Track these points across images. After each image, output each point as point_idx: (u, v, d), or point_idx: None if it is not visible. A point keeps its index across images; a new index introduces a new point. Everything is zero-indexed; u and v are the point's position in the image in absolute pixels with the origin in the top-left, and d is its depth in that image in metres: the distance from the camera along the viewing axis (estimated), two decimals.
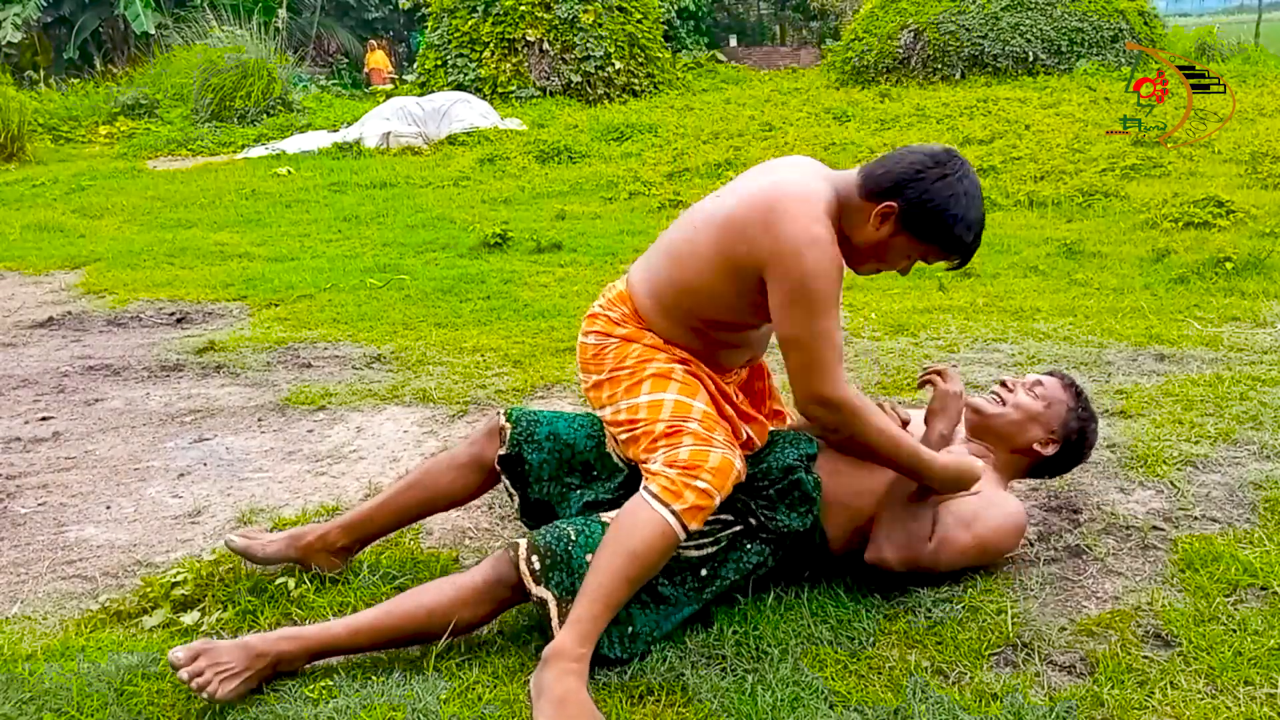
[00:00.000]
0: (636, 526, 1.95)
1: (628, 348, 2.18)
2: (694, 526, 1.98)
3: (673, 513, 1.95)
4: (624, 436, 2.13)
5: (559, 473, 2.30)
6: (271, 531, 2.65)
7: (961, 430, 2.43)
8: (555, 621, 1.94)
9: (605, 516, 2.08)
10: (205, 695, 1.83)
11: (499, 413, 2.35)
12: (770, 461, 2.22)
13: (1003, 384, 2.45)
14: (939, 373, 2.36)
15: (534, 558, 1.99)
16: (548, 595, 1.97)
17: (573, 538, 2.02)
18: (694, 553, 2.09)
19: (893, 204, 2.00)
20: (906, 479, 2.16)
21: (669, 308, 2.18)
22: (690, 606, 2.08)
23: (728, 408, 2.21)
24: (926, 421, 2.32)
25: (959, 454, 2.25)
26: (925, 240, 2.03)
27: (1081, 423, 2.41)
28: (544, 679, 1.83)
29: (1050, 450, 2.39)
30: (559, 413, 2.39)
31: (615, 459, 2.29)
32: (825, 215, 2.00)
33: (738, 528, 2.15)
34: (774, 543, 2.17)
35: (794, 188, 2.03)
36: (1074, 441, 2.41)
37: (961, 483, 2.16)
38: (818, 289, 1.96)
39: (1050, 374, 2.48)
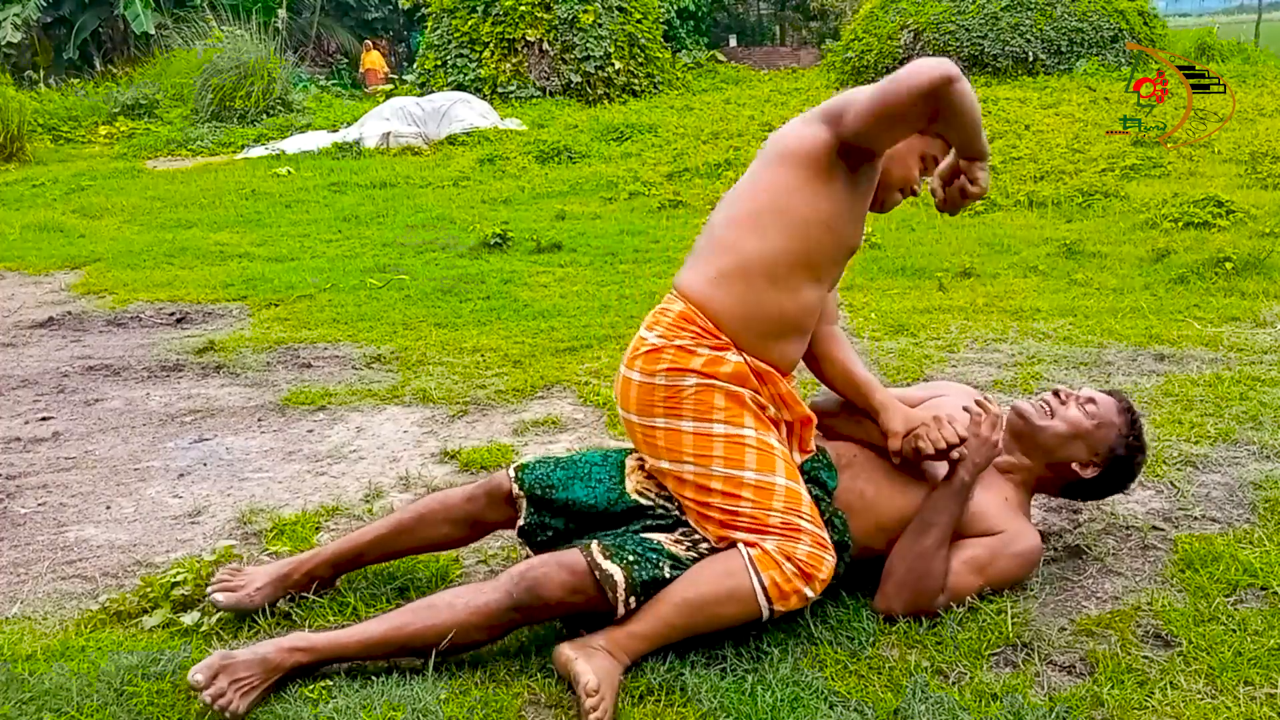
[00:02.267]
0: (737, 602, 1.94)
1: (713, 395, 2.02)
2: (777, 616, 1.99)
3: (771, 609, 1.95)
4: (716, 514, 2.01)
5: (583, 532, 2.17)
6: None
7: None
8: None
9: (664, 540, 2.03)
10: (228, 715, 1.84)
11: (508, 474, 2.24)
12: None
13: (1055, 394, 2.31)
14: (986, 411, 2.19)
15: (633, 599, 1.95)
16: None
17: (667, 576, 1.98)
18: None
19: None
20: (922, 532, 2.11)
21: (754, 272, 2.04)
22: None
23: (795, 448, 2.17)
24: (951, 463, 2.17)
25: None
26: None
27: (1130, 451, 2.27)
28: (592, 656, 1.89)
29: (1089, 473, 2.27)
30: (572, 467, 2.23)
31: (640, 499, 2.16)
32: None
33: None
34: None
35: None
36: (1117, 469, 2.28)
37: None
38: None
39: (1109, 393, 2.34)
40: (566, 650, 1.91)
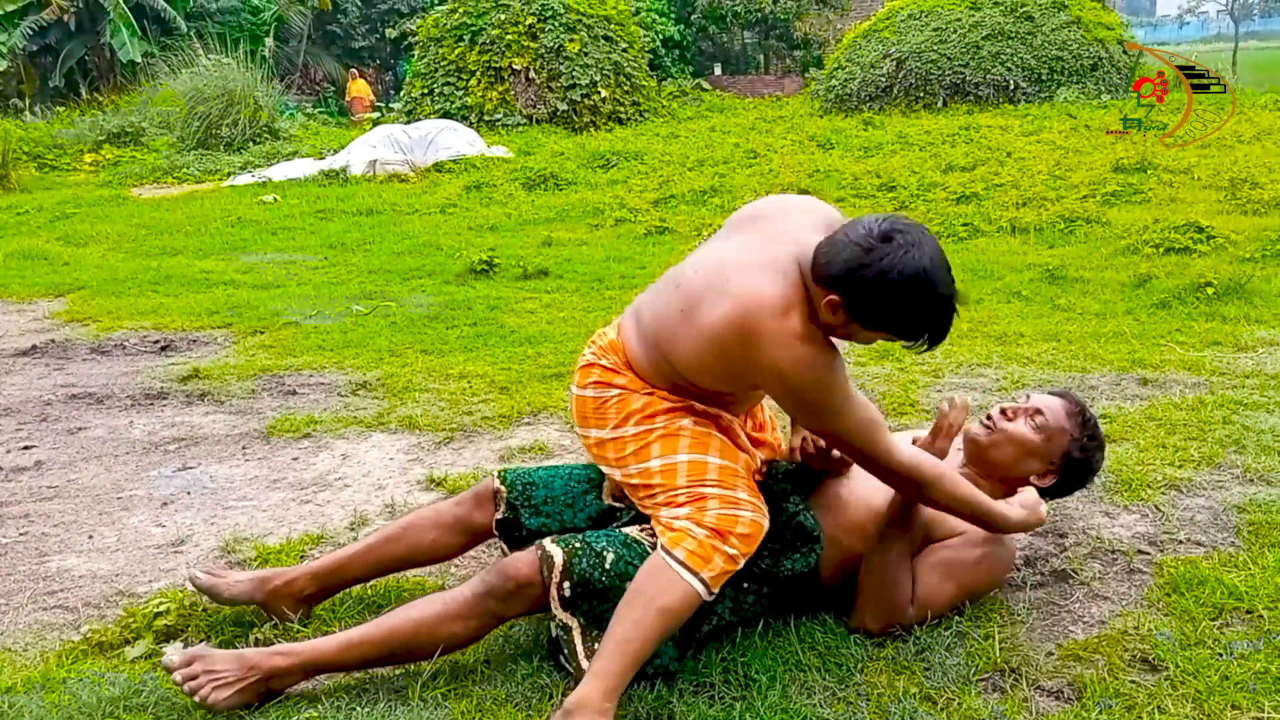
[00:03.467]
0: (668, 589, 1.92)
1: (630, 399, 2.08)
2: (716, 590, 1.98)
3: (701, 580, 1.93)
4: (641, 498, 2.08)
5: (559, 533, 2.21)
6: (251, 566, 2.63)
7: (957, 456, 2.35)
8: (580, 649, 1.96)
9: (631, 531, 2.08)
10: (197, 699, 1.83)
11: (493, 476, 2.31)
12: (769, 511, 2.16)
13: (1003, 411, 2.30)
14: (949, 410, 2.23)
15: (566, 584, 1.96)
16: (573, 623, 1.97)
17: (606, 566, 1.99)
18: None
19: (835, 297, 1.86)
20: (885, 547, 2.14)
21: (661, 371, 2.08)
22: (688, 645, 2.07)
23: (741, 439, 2.18)
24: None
25: (1026, 501, 2.17)
26: (879, 330, 1.91)
27: (1085, 452, 2.29)
28: None
29: (1048, 481, 2.29)
30: (554, 470, 2.34)
31: (614, 501, 2.26)
32: (796, 314, 1.89)
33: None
34: (770, 582, 2.16)
35: (761, 302, 1.88)
36: (1075, 469, 2.30)
37: (1028, 528, 2.19)
38: (821, 397, 1.94)
39: (1057, 394, 2.35)
40: None
